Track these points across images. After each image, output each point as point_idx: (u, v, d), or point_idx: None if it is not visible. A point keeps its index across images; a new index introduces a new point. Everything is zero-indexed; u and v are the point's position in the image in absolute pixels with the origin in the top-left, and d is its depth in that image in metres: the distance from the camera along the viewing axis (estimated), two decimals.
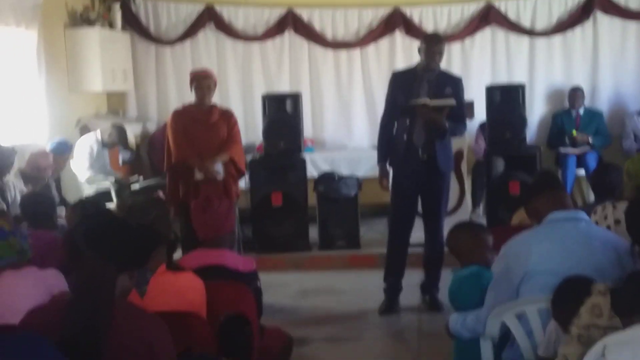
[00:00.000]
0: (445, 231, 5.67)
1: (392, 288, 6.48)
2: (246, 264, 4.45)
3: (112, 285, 2.64)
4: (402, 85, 6.29)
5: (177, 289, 3.56)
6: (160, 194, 7.91)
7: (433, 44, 6.17)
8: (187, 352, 3.26)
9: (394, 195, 6.42)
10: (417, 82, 6.22)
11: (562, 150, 9.24)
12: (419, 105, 6.04)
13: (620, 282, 3.04)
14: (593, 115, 9.46)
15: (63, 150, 7.87)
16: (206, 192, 5.02)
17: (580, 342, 2.77)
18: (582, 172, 9.06)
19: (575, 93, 9.39)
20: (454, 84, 6.31)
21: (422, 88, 6.19)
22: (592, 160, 8.92)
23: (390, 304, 6.44)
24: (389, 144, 6.37)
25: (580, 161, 9.10)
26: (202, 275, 3.74)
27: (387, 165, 6.43)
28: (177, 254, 4.47)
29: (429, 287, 6.48)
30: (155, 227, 3.50)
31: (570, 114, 9.46)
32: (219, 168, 6.57)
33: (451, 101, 6.07)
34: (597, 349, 2.26)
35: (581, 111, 9.41)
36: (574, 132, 9.22)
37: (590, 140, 9.19)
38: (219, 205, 4.53)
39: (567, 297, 3.08)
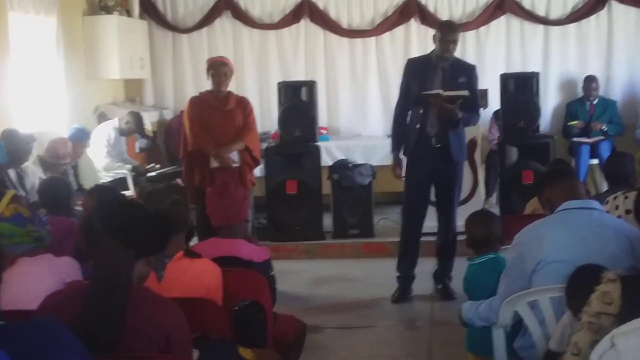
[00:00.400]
0: (458, 220, 5.71)
1: (405, 276, 6.51)
2: (260, 253, 4.46)
3: (130, 271, 2.67)
4: (416, 73, 6.30)
5: (194, 274, 3.59)
6: (179, 181, 7.96)
7: (448, 32, 6.16)
8: (203, 338, 3.31)
9: (407, 184, 6.43)
10: (432, 71, 6.21)
11: (576, 139, 9.23)
12: (432, 95, 6.05)
13: (632, 271, 3.08)
14: (607, 104, 9.44)
15: (81, 137, 7.92)
16: (222, 180, 5.06)
17: (591, 330, 2.79)
18: (595, 161, 9.04)
19: (590, 84, 9.36)
20: (467, 73, 6.31)
21: (436, 76, 6.19)
22: (605, 150, 8.90)
23: (403, 293, 6.47)
24: (402, 132, 6.38)
25: (594, 150, 9.09)
26: None
27: (401, 154, 6.46)
28: (193, 242, 4.50)
29: (442, 275, 6.50)
30: (174, 213, 3.53)
31: (584, 104, 9.45)
32: (234, 156, 6.62)
33: (464, 92, 6.06)
34: (605, 341, 2.29)
35: (595, 101, 9.40)
36: (574, 122, 9.22)
37: (604, 127, 9.18)
38: (235, 192, 4.55)
39: (581, 285, 3.09)
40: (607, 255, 3.30)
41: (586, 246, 3.34)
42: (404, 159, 6.46)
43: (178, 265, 3.58)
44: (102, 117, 9.00)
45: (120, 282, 2.62)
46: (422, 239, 6.56)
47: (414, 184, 6.38)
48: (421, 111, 6.20)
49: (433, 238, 6.61)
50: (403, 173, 6.44)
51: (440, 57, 6.18)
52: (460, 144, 6.31)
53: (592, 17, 9.74)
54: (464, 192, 7.82)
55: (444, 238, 6.48)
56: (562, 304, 3.33)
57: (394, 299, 6.44)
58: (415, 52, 9.21)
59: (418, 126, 6.22)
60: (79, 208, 5.96)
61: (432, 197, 6.55)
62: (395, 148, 6.43)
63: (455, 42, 6.18)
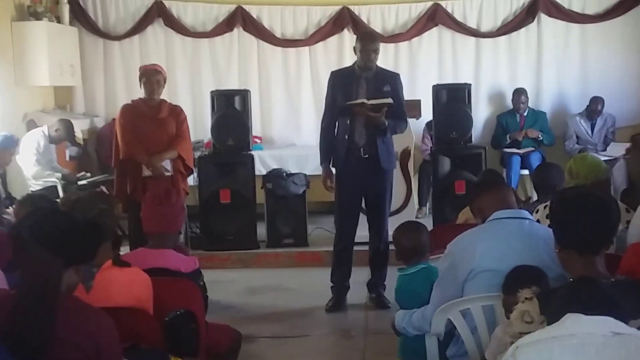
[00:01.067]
0: (391, 230, 5.73)
1: (339, 286, 6.52)
2: (188, 263, 4.40)
3: (58, 280, 2.62)
4: (341, 84, 6.32)
5: (124, 284, 3.54)
6: (104, 188, 7.84)
7: (368, 42, 6.20)
8: (134, 348, 3.26)
9: (338, 195, 6.45)
10: (356, 81, 6.25)
11: (507, 150, 9.38)
12: (357, 104, 6.08)
13: (561, 279, 3.12)
14: (537, 115, 9.62)
15: (9, 145, 7.75)
16: (155, 189, 4.99)
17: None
18: (526, 172, 9.18)
19: (519, 96, 9.52)
20: (391, 81, 6.34)
21: (360, 87, 6.22)
22: (536, 160, 9.05)
23: (338, 302, 6.48)
24: (330, 144, 6.40)
25: (525, 161, 9.24)
26: None
27: (330, 166, 6.46)
28: (124, 251, 4.43)
29: (375, 285, 6.52)
30: (100, 221, 3.47)
31: (514, 115, 9.61)
32: (167, 165, 6.57)
33: (388, 100, 6.11)
34: (509, 351, 2.32)
35: (525, 112, 9.56)
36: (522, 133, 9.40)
37: (540, 136, 9.36)
38: (175, 201, 4.49)
39: (515, 283, 3.14)
40: (537, 264, 3.33)
41: (516, 255, 3.38)
42: (333, 170, 6.48)
43: (107, 274, 3.52)
44: (31, 125, 8.83)
45: (48, 290, 2.57)
46: (356, 248, 6.57)
47: (345, 194, 6.40)
48: (348, 122, 6.23)
49: (366, 247, 6.62)
50: (333, 184, 6.45)
51: (363, 67, 6.21)
52: (388, 152, 6.35)
53: (522, 30, 9.90)
54: (397, 202, 7.89)
55: (375, 247, 6.50)
56: (494, 312, 3.37)
57: (328, 308, 6.44)
58: (349, 62, 9.11)
59: (346, 137, 6.25)
60: (7, 217, 5.83)
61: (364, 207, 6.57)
62: (325, 160, 6.45)
63: (376, 51, 6.21)
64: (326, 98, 6.48)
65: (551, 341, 2.23)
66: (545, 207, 4.54)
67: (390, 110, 6.11)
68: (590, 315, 2.26)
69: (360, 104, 6.07)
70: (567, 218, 2.95)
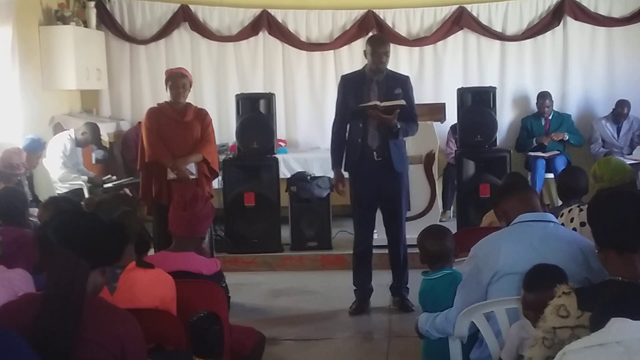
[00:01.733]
0: (415, 233, 5.73)
1: (362, 289, 6.53)
2: (210, 266, 4.38)
3: (84, 281, 2.64)
4: (352, 88, 6.33)
5: (147, 285, 3.56)
6: (127, 191, 7.90)
7: (378, 46, 6.21)
8: (159, 349, 3.28)
9: (353, 199, 6.46)
10: (367, 85, 6.26)
11: (532, 153, 9.34)
12: (370, 107, 6.09)
13: (586, 283, 3.11)
14: (562, 118, 9.58)
15: (36, 148, 7.83)
16: (184, 193, 5.00)
17: (545, 345, 2.80)
18: (550, 175, 9.14)
19: (544, 100, 9.48)
20: (402, 84, 6.35)
21: (372, 90, 6.23)
22: (561, 164, 9.02)
23: (361, 305, 6.48)
24: (342, 149, 6.41)
25: (550, 165, 9.21)
26: None
27: (342, 170, 6.47)
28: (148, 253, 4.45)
29: (398, 288, 6.52)
30: (124, 223, 3.49)
31: (539, 119, 9.57)
32: (191, 168, 6.59)
33: (401, 101, 6.13)
34: (557, 356, 2.32)
35: (550, 116, 9.52)
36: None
37: (566, 137, 9.32)
38: (201, 208, 4.48)
39: (538, 280, 3.15)
40: (562, 267, 3.31)
41: (541, 259, 3.36)
42: (346, 174, 6.49)
43: (131, 276, 3.54)
44: (58, 128, 8.91)
45: (74, 292, 2.59)
46: (379, 251, 6.58)
47: (360, 198, 6.40)
48: (361, 125, 6.24)
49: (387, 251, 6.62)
50: (346, 190, 6.46)
51: (374, 70, 6.23)
52: (401, 155, 6.36)
53: (548, 33, 9.86)
54: (421, 205, 7.89)
55: (394, 250, 6.50)
56: (518, 315, 3.36)
57: (351, 311, 6.45)
58: None
59: (359, 140, 6.26)
60: (34, 219, 5.88)
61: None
62: (336, 164, 6.46)
63: (387, 54, 6.24)
64: (337, 102, 6.48)
65: (598, 349, 2.22)
66: (569, 210, 4.52)
67: (402, 112, 6.13)
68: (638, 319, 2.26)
69: (373, 106, 6.08)
70: (604, 217, 2.94)
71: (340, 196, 6.58)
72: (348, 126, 6.37)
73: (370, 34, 9.85)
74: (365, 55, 6.29)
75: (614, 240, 2.89)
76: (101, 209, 3.85)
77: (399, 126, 6.15)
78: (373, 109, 6.08)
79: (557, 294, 2.86)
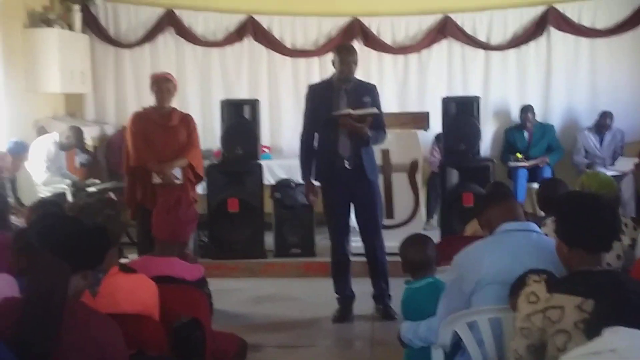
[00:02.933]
0: (397, 241, 5.73)
1: (344, 297, 6.52)
2: (193, 271, 4.33)
3: (66, 285, 2.64)
4: (320, 97, 6.32)
5: (130, 290, 3.54)
6: (112, 195, 7.85)
7: (346, 54, 6.23)
8: (140, 354, 3.27)
9: (326, 208, 6.46)
10: (335, 93, 6.25)
11: (511, 164, 9.37)
12: (343, 115, 6.09)
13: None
14: (545, 129, 9.63)
15: (19, 151, 7.81)
16: (168, 196, 4.97)
17: (523, 335, 2.88)
18: (535, 185, 9.16)
19: (526, 114, 9.52)
20: (370, 92, 6.36)
21: (341, 98, 6.23)
22: (546, 174, 9.06)
23: (344, 313, 6.47)
24: (311, 158, 6.40)
25: (535, 174, 9.22)
26: None
27: (313, 179, 6.46)
28: (131, 258, 4.44)
29: (381, 296, 6.50)
30: (107, 227, 3.47)
31: (521, 131, 9.61)
32: (177, 172, 6.58)
33: (374, 109, 6.16)
34: None
35: (533, 128, 9.57)
36: (518, 154, 9.38)
37: (547, 160, 9.35)
38: (185, 211, 4.46)
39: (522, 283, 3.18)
40: None
41: (524, 267, 3.35)
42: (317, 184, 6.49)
43: (113, 280, 3.52)
44: (41, 131, 8.86)
45: (55, 296, 2.58)
46: (359, 259, 6.57)
47: (333, 206, 6.40)
48: (332, 134, 6.23)
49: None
50: (318, 199, 6.48)
51: (343, 79, 6.23)
52: (372, 163, 6.37)
53: (532, 43, 9.91)
54: (405, 213, 7.90)
55: (371, 258, 6.47)
56: (501, 324, 3.37)
57: (334, 318, 6.44)
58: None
59: (330, 149, 6.25)
60: (17, 222, 5.85)
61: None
62: (307, 174, 6.45)
63: (355, 62, 6.26)
64: (305, 112, 6.47)
65: (592, 357, 2.24)
66: (553, 221, 4.53)
67: (373, 120, 6.14)
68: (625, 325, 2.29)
69: (347, 114, 6.08)
70: (577, 216, 2.99)
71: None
72: (316, 135, 6.36)
73: (356, 41, 9.91)
74: (333, 65, 6.29)
75: (584, 240, 2.95)
76: (84, 212, 3.82)
77: (369, 134, 6.16)
78: (346, 117, 6.08)
79: (527, 283, 2.95)
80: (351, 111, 6.09)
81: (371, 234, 6.43)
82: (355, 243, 6.75)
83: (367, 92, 6.33)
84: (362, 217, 6.45)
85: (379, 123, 6.29)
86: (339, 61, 6.18)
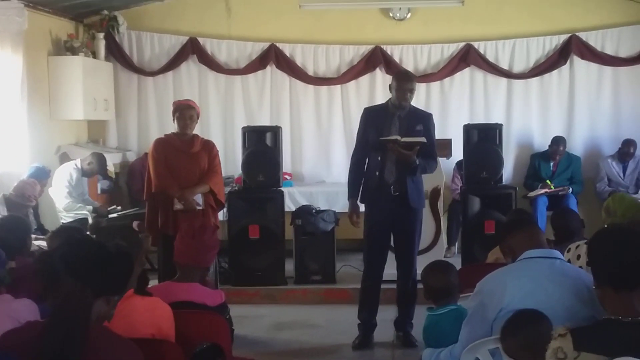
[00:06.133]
0: (420, 268, 5.72)
1: (366, 324, 6.48)
2: (214, 297, 4.38)
3: (89, 309, 2.65)
4: (373, 121, 6.34)
5: (144, 313, 3.55)
6: (135, 225, 7.86)
7: (404, 81, 6.23)
8: None
9: (367, 232, 6.44)
10: (389, 119, 6.27)
11: (531, 194, 9.29)
12: (390, 141, 6.09)
13: (592, 321, 3.09)
14: (571, 161, 9.57)
15: (41, 176, 7.85)
16: (193, 222, 4.98)
17: None
18: None
19: (557, 146, 9.41)
20: (424, 121, 6.36)
21: (393, 125, 6.24)
22: (572, 204, 8.96)
23: (365, 340, 6.44)
24: (359, 180, 6.41)
25: (559, 201, 9.10)
26: None
27: (358, 202, 6.46)
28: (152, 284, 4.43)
29: (402, 323, 6.48)
30: (130, 252, 3.48)
31: (548, 161, 9.55)
32: (198, 199, 6.59)
33: (422, 138, 6.13)
34: None
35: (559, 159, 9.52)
36: (548, 181, 9.32)
37: (570, 190, 9.27)
38: (209, 237, 4.47)
39: (515, 327, 3.20)
40: (567, 304, 3.30)
41: (546, 295, 3.34)
42: (361, 206, 6.48)
43: (129, 303, 3.53)
44: (64, 158, 8.94)
45: (79, 320, 2.58)
46: (383, 286, 6.55)
47: (373, 231, 6.38)
48: (379, 158, 6.24)
49: (394, 285, 6.59)
50: (360, 221, 6.45)
51: (397, 105, 6.24)
52: (418, 191, 6.34)
53: (555, 72, 9.90)
54: (426, 240, 7.86)
55: (403, 285, 6.47)
56: None
57: (355, 345, 6.40)
58: (380, 101, 9.24)
59: (377, 173, 6.25)
60: (37, 247, 5.88)
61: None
62: (352, 195, 6.45)
63: (412, 90, 6.26)
64: (357, 134, 6.50)
65: None
66: (577, 247, 4.50)
67: (421, 149, 6.12)
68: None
69: (394, 140, 6.07)
70: (603, 253, 2.91)
71: (345, 230, 6.55)
72: (367, 159, 6.37)
73: (378, 69, 9.95)
74: (390, 90, 6.30)
75: (611, 277, 2.85)
76: (101, 234, 3.84)
77: (417, 162, 6.14)
78: (393, 143, 6.08)
79: (553, 336, 2.83)
80: (398, 137, 6.09)
81: (407, 261, 6.41)
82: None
83: (421, 120, 6.33)
84: (400, 244, 6.43)
85: (429, 152, 6.28)
86: (396, 87, 6.20)
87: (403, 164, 6.16)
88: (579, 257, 4.40)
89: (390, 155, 6.18)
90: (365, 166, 6.39)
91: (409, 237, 6.37)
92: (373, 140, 6.24)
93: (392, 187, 6.23)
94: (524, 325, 3.18)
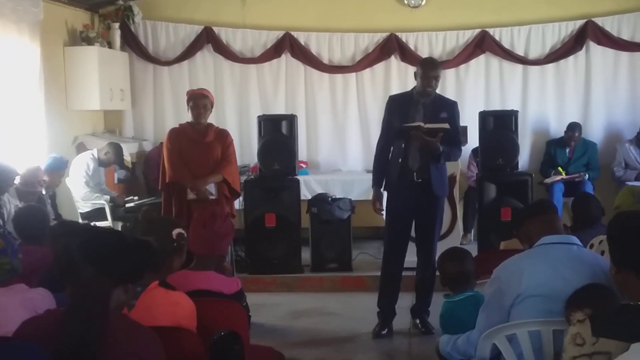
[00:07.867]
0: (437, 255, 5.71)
1: (386, 312, 6.47)
2: (230, 285, 4.38)
3: (107, 298, 2.66)
4: (398, 108, 6.33)
5: (167, 306, 3.54)
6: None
7: (429, 68, 6.21)
8: None
9: (388, 219, 6.42)
10: (413, 106, 6.25)
11: (547, 180, 9.27)
12: (413, 127, 6.07)
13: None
14: (587, 146, 9.53)
15: (58, 167, 7.90)
16: (203, 211, 4.99)
17: None
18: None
19: (573, 132, 9.38)
20: (449, 108, 6.34)
21: (417, 112, 6.22)
22: (588, 189, 8.93)
23: (384, 328, 6.43)
24: (383, 167, 6.39)
25: (573, 189, 9.07)
26: None
27: (381, 189, 6.46)
28: None
29: (419, 310, 6.48)
30: (148, 241, 3.49)
31: (564, 148, 9.51)
32: (211, 188, 6.60)
33: (445, 125, 6.09)
34: None
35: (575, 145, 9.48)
36: (560, 169, 9.28)
37: (586, 176, 9.23)
38: (220, 225, 4.48)
39: (580, 297, 3.17)
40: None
41: (564, 281, 3.34)
42: (384, 194, 6.47)
43: (152, 295, 3.53)
44: (81, 148, 8.98)
45: (97, 309, 2.59)
46: (402, 273, 6.55)
47: (395, 218, 6.37)
48: (403, 145, 6.22)
49: (411, 273, 6.59)
50: (383, 207, 6.44)
51: (422, 93, 6.22)
52: (441, 178, 6.32)
53: (571, 58, 9.85)
54: (443, 228, 7.83)
55: (423, 273, 6.46)
56: (540, 337, 3.34)
57: (374, 333, 6.39)
58: (395, 89, 9.28)
59: (400, 160, 6.23)
60: None
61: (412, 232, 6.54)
62: (376, 183, 6.44)
63: (437, 78, 6.23)
64: (382, 122, 6.50)
65: None
66: (600, 242, 4.44)
67: (446, 137, 6.09)
68: None
69: (417, 126, 6.05)
70: (626, 237, 2.86)
71: (361, 218, 6.53)
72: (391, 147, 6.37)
73: (393, 57, 9.93)
74: (415, 77, 6.28)
75: (634, 261, 2.80)
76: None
77: (441, 149, 6.11)
78: (416, 130, 6.06)
79: (572, 322, 2.84)
80: (422, 124, 6.06)
81: (427, 248, 6.40)
82: None
83: (446, 108, 6.31)
84: (421, 231, 6.43)
85: (454, 139, 6.26)
86: (421, 75, 6.18)
87: (427, 151, 6.14)
88: (602, 253, 4.35)
89: (413, 142, 6.15)
90: (390, 154, 6.38)
91: (430, 225, 6.36)
92: (396, 127, 6.23)
93: (415, 173, 6.21)
94: (592, 297, 3.13)
